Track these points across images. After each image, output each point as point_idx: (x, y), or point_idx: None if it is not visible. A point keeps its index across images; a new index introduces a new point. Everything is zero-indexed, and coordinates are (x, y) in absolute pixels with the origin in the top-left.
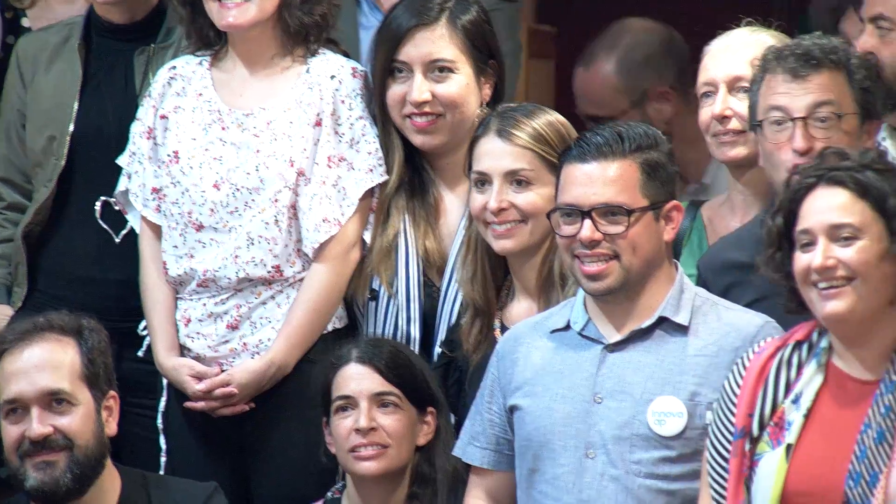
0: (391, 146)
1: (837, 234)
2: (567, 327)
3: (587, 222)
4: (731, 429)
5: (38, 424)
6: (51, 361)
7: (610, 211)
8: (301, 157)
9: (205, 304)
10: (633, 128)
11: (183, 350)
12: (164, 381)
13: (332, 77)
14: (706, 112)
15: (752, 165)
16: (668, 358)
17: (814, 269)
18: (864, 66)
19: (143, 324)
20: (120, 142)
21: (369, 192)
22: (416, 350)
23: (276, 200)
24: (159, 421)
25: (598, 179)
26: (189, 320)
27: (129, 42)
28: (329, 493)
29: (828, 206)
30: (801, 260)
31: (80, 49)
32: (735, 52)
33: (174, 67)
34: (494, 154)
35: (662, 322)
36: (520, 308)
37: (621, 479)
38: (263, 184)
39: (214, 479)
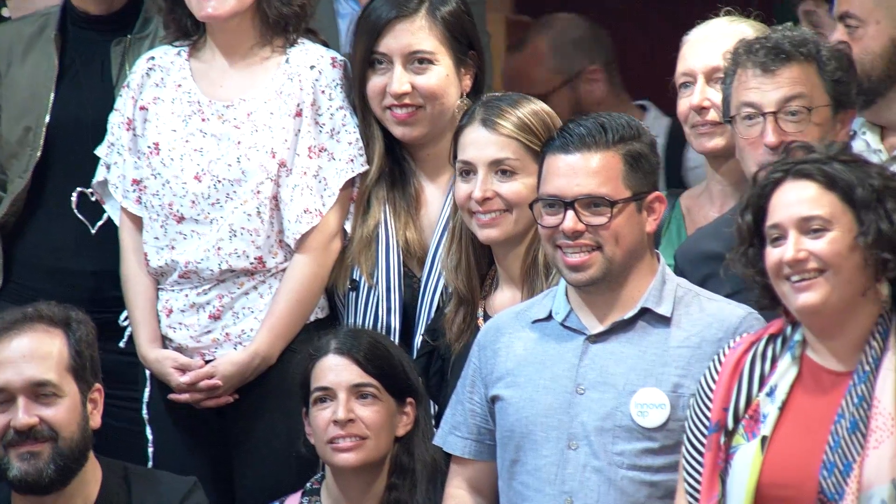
0: (371, 137)
1: (807, 226)
2: (549, 318)
3: (570, 213)
4: (707, 423)
5: (24, 414)
6: (38, 352)
7: (593, 202)
8: (282, 147)
9: (186, 295)
10: (616, 119)
11: (165, 341)
12: (147, 372)
13: (312, 67)
14: (684, 103)
15: (730, 156)
16: (650, 349)
17: (785, 263)
18: (835, 57)
19: (123, 315)
20: (96, 133)
21: (350, 183)
22: (397, 340)
23: (257, 192)
24: (144, 412)
25: (581, 170)
26: (171, 311)
27: (106, 33)
28: (308, 484)
29: (797, 199)
30: (773, 255)
31: (56, 40)
32: (713, 42)
33: (153, 58)
34: (479, 143)
35: (645, 313)
36: (503, 297)
37: (604, 470)
38: (245, 175)
39: (197, 470)
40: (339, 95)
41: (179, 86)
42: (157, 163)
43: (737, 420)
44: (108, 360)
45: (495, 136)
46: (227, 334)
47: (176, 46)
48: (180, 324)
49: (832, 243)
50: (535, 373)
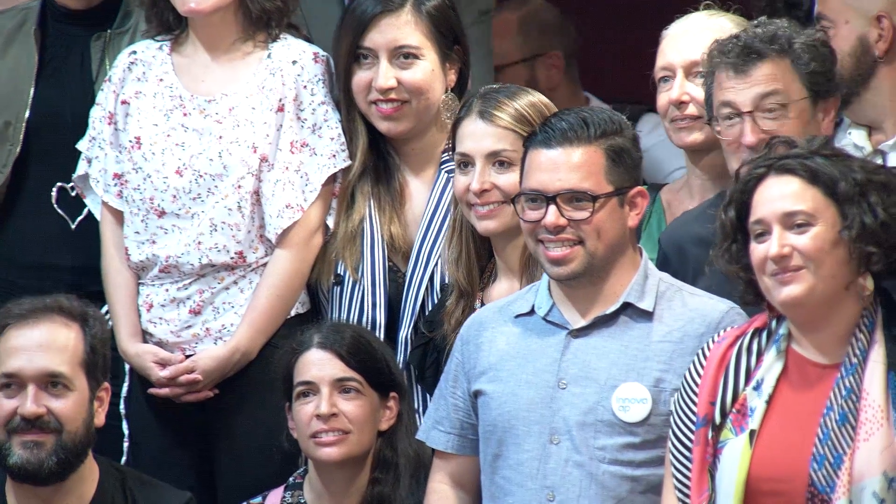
0: (355, 132)
1: (791, 221)
2: (531, 312)
3: (552, 208)
4: (694, 418)
5: (33, 403)
6: (55, 343)
7: (575, 197)
8: (264, 142)
9: (167, 290)
10: (599, 113)
11: (145, 335)
12: (126, 367)
13: (294, 62)
14: (663, 97)
15: (710, 150)
16: (632, 344)
17: (770, 259)
18: (810, 48)
19: (104, 309)
20: (76, 128)
21: (332, 178)
22: (382, 335)
23: (238, 186)
24: (121, 406)
25: (563, 165)
26: (151, 305)
27: (86, 27)
28: (291, 479)
29: (780, 194)
30: (758, 250)
31: (36, 34)
32: (693, 36)
33: (134, 52)
34: (476, 135)
35: (627, 308)
36: (501, 289)
37: (585, 465)
38: (226, 170)
39: (177, 465)
40: (322, 91)
41: (161, 80)
42: (138, 157)
43: (724, 414)
44: None
45: (493, 128)
46: (207, 329)
47: (158, 41)
48: (161, 318)
49: (815, 238)
50: (518, 367)
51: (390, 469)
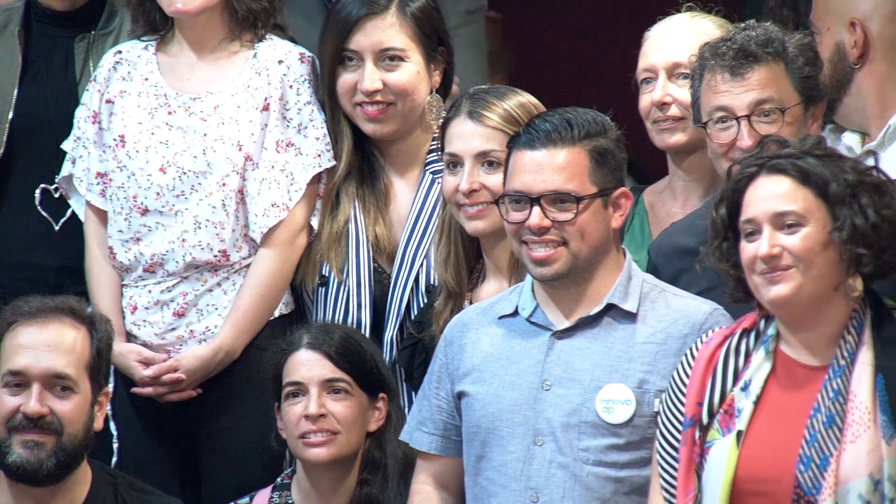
0: (340, 133)
1: (782, 221)
2: (515, 313)
3: (536, 209)
4: (681, 418)
5: (37, 402)
6: (63, 345)
7: (559, 198)
8: (249, 141)
9: (150, 291)
10: (582, 115)
11: (130, 338)
12: (111, 367)
13: (280, 62)
14: (646, 99)
15: (693, 152)
16: (616, 345)
17: (760, 258)
18: (802, 52)
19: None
20: (59, 129)
21: (316, 178)
22: (367, 336)
23: (223, 184)
24: (108, 407)
25: (547, 166)
26: (135, 308)
27: (70, 28)
28: (279, 479)
29: (771, 194)
30: (748, 250)
31: (19, 35)
32: (675, 37)
33: (119, 52)
34: (465, 136)
35: (611, 309)
36: (490, 289)
37: (569, 466)
38: (210, 167)
39: (162, 464)
40: (307, 91)
41: (146, 79)
42: (122, 155)
43: (711, 415)
44: None
45: (481, 128)
46: (191, 331)
47: (143, 41)
48: (145, 321)
49: (806, 239)
50: (501, 369)
51: (379, 470)
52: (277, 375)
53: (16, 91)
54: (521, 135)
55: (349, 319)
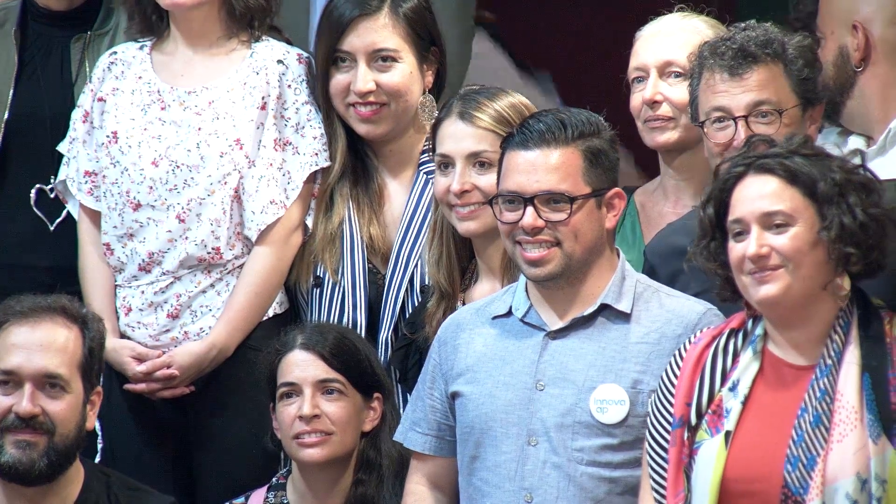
0: (334, 134)
1: (770, 221)
2: (509, 314)
3: (529, 209)
4: (670, 418)
5: (29, 402)
6: (55, 344)
7: (552, 198)
8: (245, 138)
9: (143, 293)
10: (576, 115)
11: (124, 339)
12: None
13: (279, 62)
14: (637, 97)
15: (683, 151)
16: (610, 345)
17: (748, 258)
18: (802, 54)
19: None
20: (55, 129)
21: (312, 178)
22: (362, 336)
23: (217, 181)
24: None
25: (541, 167)
26: (129, 309)
27: (66, 28)
28: (274, 479)
29: (759, 193)
30: (736, 249)
31: (15, 35)
32: (666, 37)
33: (115, 53)
34: (456, 136)
35: (604, 309)
36: (482, 290)
37: (563, 466)
38: (204, 161)
39: (153, 464)
40: (305, 90)
41: (140, 77)
42: (115, 151)
43: (700, 415)
44: None
45: (472, 129)
46: (185, 333)
47: (139, 42)
48: (139, 323)
49: (794, 239)
50: (495, 369)
51: (374, 470)
52: (272, 376)
53: (11, 91)
54: (515, 135)
55: (344, 320)
